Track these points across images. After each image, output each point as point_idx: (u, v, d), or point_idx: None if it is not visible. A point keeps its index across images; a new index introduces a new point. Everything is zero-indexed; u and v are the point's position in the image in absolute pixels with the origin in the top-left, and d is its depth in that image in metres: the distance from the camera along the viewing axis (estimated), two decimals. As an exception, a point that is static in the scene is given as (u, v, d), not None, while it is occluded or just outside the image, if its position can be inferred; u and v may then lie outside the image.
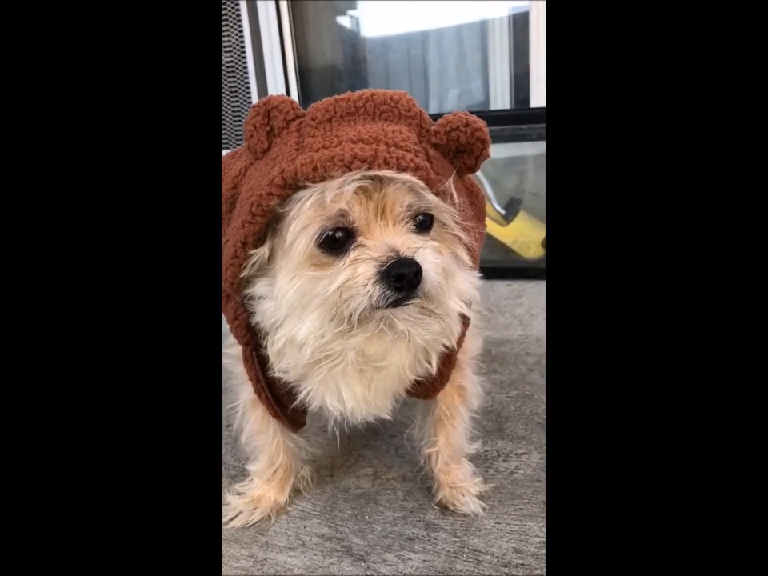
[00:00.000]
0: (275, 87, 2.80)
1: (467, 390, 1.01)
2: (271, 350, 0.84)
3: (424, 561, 0.92)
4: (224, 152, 0.94)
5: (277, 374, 0.87)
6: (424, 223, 0.75)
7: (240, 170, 0.82)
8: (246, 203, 0.74)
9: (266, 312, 0.79)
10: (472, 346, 1.02)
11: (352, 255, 0.70)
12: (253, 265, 0.77)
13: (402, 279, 0.68)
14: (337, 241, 0.71)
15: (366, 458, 1.19)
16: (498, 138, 2.34)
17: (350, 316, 0.70)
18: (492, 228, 2.29)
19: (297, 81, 2.89)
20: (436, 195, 0.74)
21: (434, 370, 0.87)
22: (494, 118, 2.38)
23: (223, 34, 2.77)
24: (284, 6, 2.81)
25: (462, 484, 1.03)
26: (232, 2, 2.70)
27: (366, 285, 0.68)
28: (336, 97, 0.78)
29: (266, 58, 2.82)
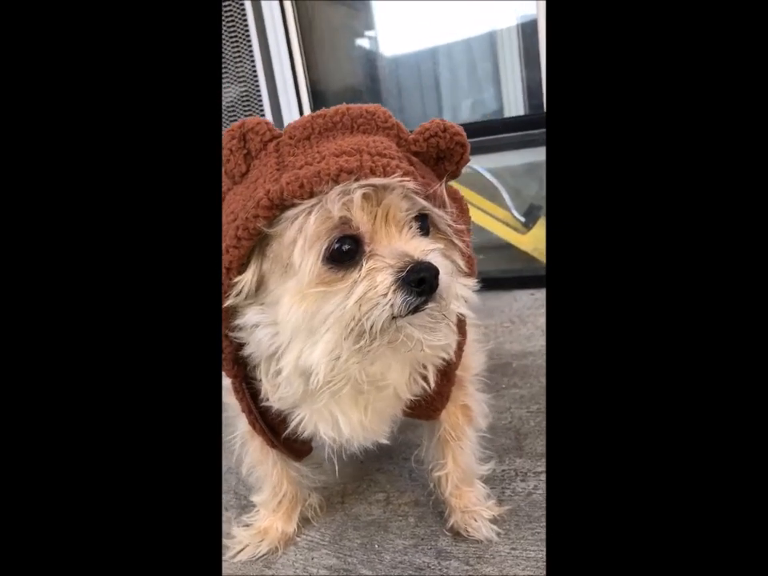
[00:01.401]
0: (289, 114, 2.84)
1: (472, 409, 0.96)
2: (266, 380, 0.80)
3: (434, 592, 0.87)
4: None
5: (269, 403, 0.84)
6: (423, 228, 0.73)
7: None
8: (230, 228, 0.72)
9: (260, 341, 0.75)
10: (473, 363, 0.97)
11: (367, 265, 0.67)
12: (239, 293, 0.74)
13: (423, 283, 0.66)
14: (345, 253, 0.68)
15: (379, 483, 1.15)
16: (514, 145, 2.32)
17: (371, 328, 0.67)
18: (512, 237, 2.23)
19: (310, 106, 2.92)
20: (426, 199, 0.72)
21: (431, 387, 0.84)
22: (508, 125, 2.34)
23: (237, 66, 2.84)
24: (293, 34, 2.86)
25: (474, 508, 0.98)
26: (244, 34, 2.77)
27: (387, 294, 0.66)
28: (312, 114, 0.76)
29: (279, 86, 2.87)
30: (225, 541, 1.03)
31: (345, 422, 0.82)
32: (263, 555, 0.99)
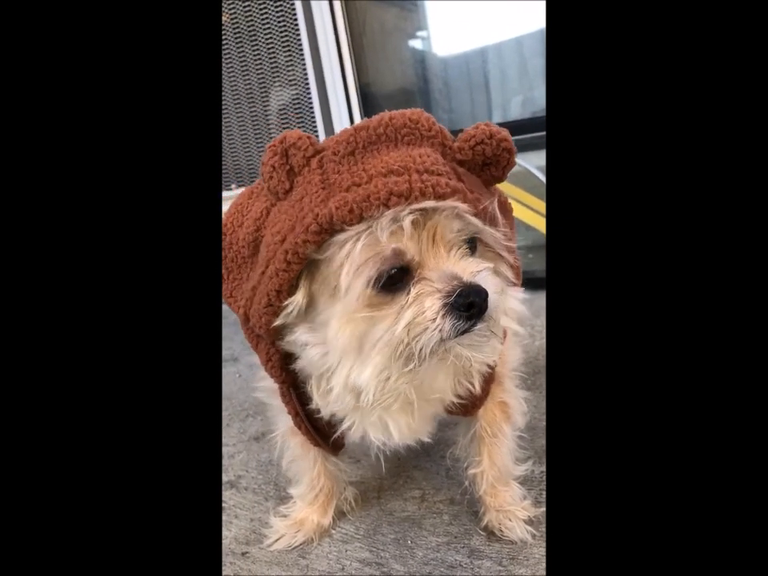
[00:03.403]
0: (339, 118, 2.88)
1: (510, 406, 0.95)
2: (317, 395, 0.82)
3: (465, 591, 0.86)
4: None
5: (320, 415, 0.87)
6: (471, 244, 0.73)
7: (261, 212, 0.79)
8: (278, 250, 0.72)
9: (311, 359, 0.77)
10: (511, 357, 0.96)
11: (415, 290, 0.67)
12: (289, 313, 0.75)
13: (472, 308, 0.66)
14: (394, 279, 0.68)
15: (415, 480, 1.15)
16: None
17: (420, 351, 0.68)
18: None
19: (360, 109, 2.95)
20: (475, 216, 0.71)
21: (477, 390, 0.85)
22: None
23: (288, 70, 2.91)
24: (343, 37, 2.89)
25: (509, 507, 0.96)
26: (295, 38, 2.84)
27: (435, 319, 0.66)
28: (354, 126, 0.74)
29: (329, 90, 2.92)
30: (262, 530, 1.06)
31: (394, 428, 0.84)
32: (299, 545, 1.01)
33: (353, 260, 0.67)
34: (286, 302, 0.74)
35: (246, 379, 1.74)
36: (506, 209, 0.88)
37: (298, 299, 0.73)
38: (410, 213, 0.66)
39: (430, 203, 0.66)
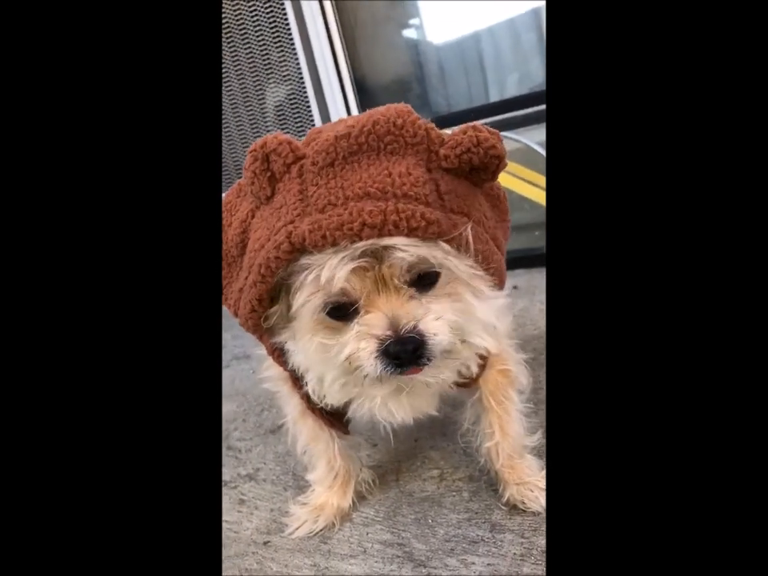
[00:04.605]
0: (336, 112, 2.86)
1: (511, 370, 0.94)
2: (310, 389, 0.85)
3: (488, 565, 0.85)
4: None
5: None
6: (430, 276, 0.73)
7: (247, 214, 0.80)
8: (256, 259, 0.74)
9: (295, 361, 0.83)
10: (503, 327, 0.93)
11: (355, 329, 0.71)
12: (273, 315, 0.78)
13: (400, 357, 0.70)
14: (341, 308, 0.72)
15: (433, 460, 1.14)
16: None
17: (364, 378, 0.73)
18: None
19: (357, 102, 2.93)
20: (450, 241, 0.71)
21: (475, 371, 0.85)
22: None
23: (282, 67, 2.90)
24: (334, 30, 2.87)
25: (528, 479, 0.95)
26: (286, 34, 2.83)
27: (369, 359, 0.70)
28: (336, 133, 0.72)
29: (324, 84, 2.91)
30: (283, 519, 1.05)
31: (397, 407, 0.86)
32: (320, 531, 1.00)
33: (303, 289, 0.71)
34: (269, 312, 0.77)
35: (259, 375, 1.75)
36: (498, 200, 0.86)
37: (278, 308, 0.77)
38: (358, 256, 0.67)
39: (386, 241, 0.67)
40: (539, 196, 2.19)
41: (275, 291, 0.75)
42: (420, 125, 0.73)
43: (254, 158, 0.74)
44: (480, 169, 0.74)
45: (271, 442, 1.36)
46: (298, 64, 2.89)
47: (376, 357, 0.70)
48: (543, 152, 2.21)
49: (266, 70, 2.96)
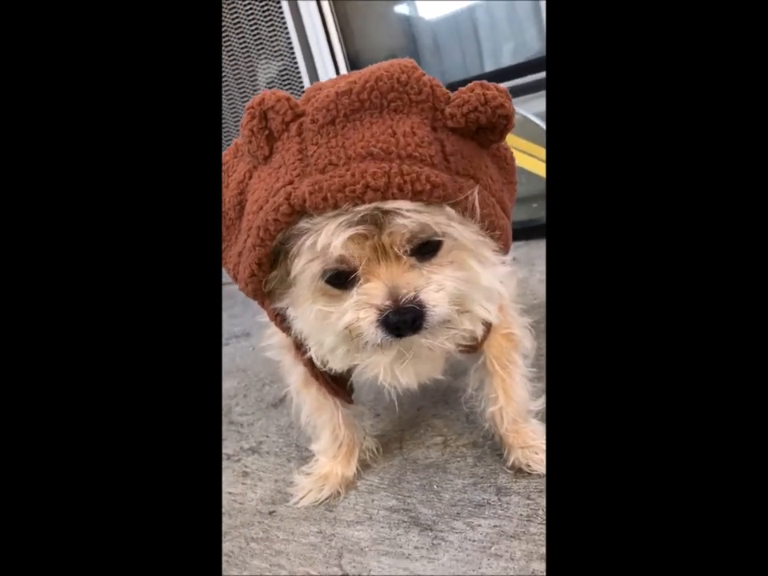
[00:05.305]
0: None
1: (515, 334, 0.93)
2: (312, 353, 0.83)
3: (494, 526, 0.85)
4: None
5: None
6: (432, 243, 0.71)
7: (244, 175, 0.77)
8: (254, 222, 0.71)
9: (297, 327, 0.81)
10: (508, 290, 0.92)
11: (354, 298, 0.70)
12: (273, 280, 0.77)
13: (400, 329, 0.69)
14: (341, 275, 0.71)
15: (436, 428, 1.14)
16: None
17: (364, 345, 0.72)
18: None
19: (349, 75, 2.89)
20: (456, 205, 0.69)
21: (480, 333, 0.83)
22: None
23: (273, 42, 2.85)
24: (326, 5, 2.82)
25: (533, 443, 0.95)
26: (277, 9, 2.77)
27: (369, 327, 0.69)
28: (337, 90, 0.69)
29: (317, 59, 2.86)
30: (287, 489, 1.05)
31: (402, 372, 0.84)
32: (325, 499, 1.00)
33: (303, 254, 0.69)
34: (269, 276, 0.75)
35: (259, 352, 1.74)
36: (505, 161, 0.84)
37: (278, 273, 0.75)
38: (357, 222, 0.65)
39: (396, 204, 0.65)
40: (537, 167, 2.16)
41: (274, 255, 0.74)
42: (425, 81, 0.70)
43: (251, 115, 0.71)
44: (487, 128, 0.72)
45: (273, 416, 1.36)
46: (289, 40, 2.84)
47: (376, 326, 0.69)
48: (540, 123, 2.19)
49: (257, 46, 2.91)
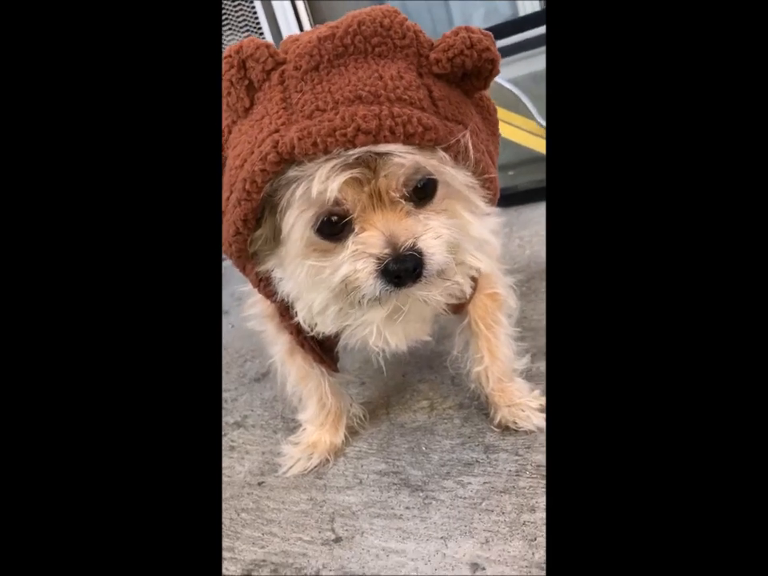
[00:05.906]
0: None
1: (500, 294, 0.93)
2: (301, 318, 0.81)
3: (484, 483, 0.86)
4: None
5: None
6: (427, 188, 0.69)
7: (223, 130, 0.75)
8: (238, 176, 0.68)
9: (284, 290, 0.78)
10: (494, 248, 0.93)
11: (350, 249, 0.67)
12: (258, 239, 0.73)
13: (400, 276, 0.66)
14: (335, 225, 0.68)
15: (422, 392, 1.14)
16: (531, 45, 2.17)
17: (360, 300, 0.69)
18: (540, 145, 2.12)
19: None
20: (448, 149, 0.67)
21: (468, 292, 0.82)
22: (525, 21, 2.19)
23: (239, 15, 2.77)
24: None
25: (519, 400, 0.95)
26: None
27: (368, 279, 0.67)
28: (318, 35, 0.67)
29: (284, 31, 2.79)
30: (275, 459, 1.05)
31: (391, 334, 0.83)
32: (314, 468, 1.00)
33: (293, 204, 0.66)
34: (255, 235, 0.72)
35: (238, 329, 1.72)
36: (488, 112, 0.83)
37: (263, 231, 0.72)
38: (351, 165, 0.63)
39: (389, 147, 0.63)
40: (513, 134, 2.15)
41: (260, 212, 0.71)
42: (408, 26, 0.69)
43: (229, 64, 0.68)
44: (472, 75, 0.71)
45: (257, 390, 1.34)
46: (254, 11, 2.76)
47: (375, 277, 0.66)
48: (514, 89, 2.17)
49: (223, 17, 2.81)
